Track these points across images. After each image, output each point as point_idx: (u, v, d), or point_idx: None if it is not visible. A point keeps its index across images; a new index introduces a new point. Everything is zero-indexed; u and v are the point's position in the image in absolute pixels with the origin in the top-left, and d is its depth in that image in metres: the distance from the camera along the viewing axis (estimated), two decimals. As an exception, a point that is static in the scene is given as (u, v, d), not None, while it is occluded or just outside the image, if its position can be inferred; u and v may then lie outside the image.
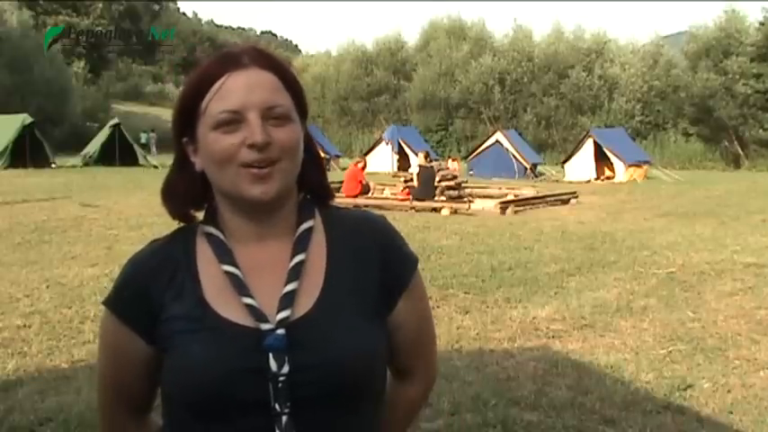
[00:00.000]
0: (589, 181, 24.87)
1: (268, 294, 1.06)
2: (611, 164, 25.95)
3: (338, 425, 1.06)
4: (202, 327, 1.05)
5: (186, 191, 1.12)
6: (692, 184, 22.91)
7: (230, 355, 1.02)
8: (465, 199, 15.21)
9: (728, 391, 4.22)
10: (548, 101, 42.41)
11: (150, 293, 1.08)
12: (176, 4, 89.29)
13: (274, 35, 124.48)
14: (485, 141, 29.30)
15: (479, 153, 28.58)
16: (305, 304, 1.06)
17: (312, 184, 1.16)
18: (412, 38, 58.89)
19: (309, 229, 1.12)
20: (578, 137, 30.88)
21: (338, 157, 31.77)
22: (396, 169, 26.98)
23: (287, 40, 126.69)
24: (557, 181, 25.57)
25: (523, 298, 6.52)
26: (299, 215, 1.13)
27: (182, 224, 1.16)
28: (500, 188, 19.23)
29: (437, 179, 15.20)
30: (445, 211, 13.84)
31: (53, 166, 26.70)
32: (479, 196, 16.37)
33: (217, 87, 1.05)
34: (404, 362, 1.20)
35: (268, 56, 1.10)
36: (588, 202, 16.54)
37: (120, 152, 28.56)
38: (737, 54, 37.35)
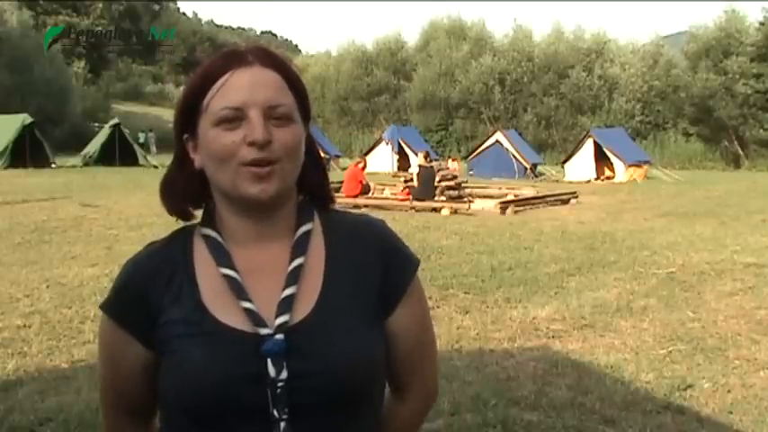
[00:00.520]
0: (589, 181, 24.87)
1: (266, 298, 1.05)
2: (611, 164, 25.95)
3: (337, 431, 1.05)
4: (200, 331, 1.04)
5: (185, 188, 1.11)
6: (692, 184, 22.91)
7: (228, 361, 1.01)
8: (465, 199, 15.21)
9: (728, 391, 4.22)
10: (548, 101, 42.41)
11: (148, 297, 1.07)
12: (176, 4, 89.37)
13: (274, 35, 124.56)
14: (485, 141, 29.29)
15: (479, 153, 28.58)
16: (304, 309, 1.05)
17: (312, 187, 1.14)
18: (412, 38, 58.96)
19: (308, 232, 1.11)
20: (578, 137, 30.88)
21: (338, 157, 31.77)
22: (396, 169, 26.99)
23: (287, 40, 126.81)
24: (557, 181, 25.56)
25: (523, 298, 6.52)
26: (298, 217, 1.12)
27: (180, 226, 1.15)
28: (500, 188, 19.23)
29: (437, 179, 15.20)
30: (445, 211, 13.84)
31: (53, 166, 26.71)
32: (479, 196, 16.36)
33: (220, 84, 1.04)
34: (401, 374, 1.17)
35: (273, 55, 1.09)
36: (588, 202, 16.54)
37: (120, 152, 28.58)
38: (737, 54, 37.35)
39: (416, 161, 16.64)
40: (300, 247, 1.09)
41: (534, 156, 30.00)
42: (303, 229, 1.11)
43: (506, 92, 43.51)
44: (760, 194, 18.46)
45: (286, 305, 1.04)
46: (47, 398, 3.96)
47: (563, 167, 27.74)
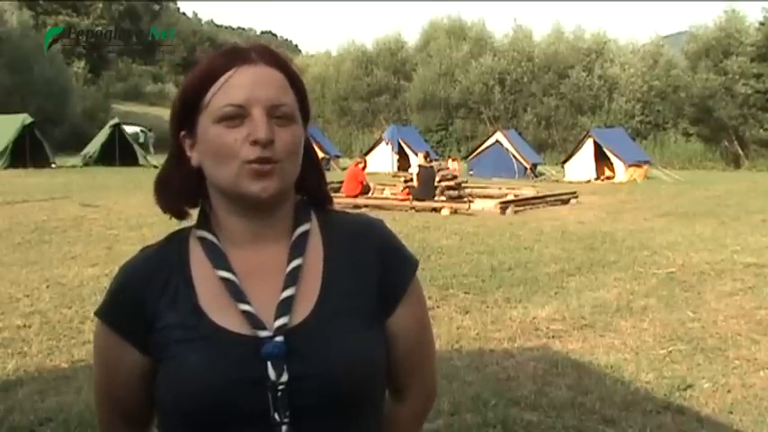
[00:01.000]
0: (589, 181, 24.87)
1: (265, 300, 1.03)
2: (611, 164, 25.95)
3: None
4: (198, 335, 1.02)
5: (180, 185, 1.09)
6: (692, 184, 22.91)
7: (228, 365, 1.00)
8: (465, 199, 15.20)
9: (728, 391, 4.22)
10: (548, 101, 42.41)
11: (144, 301, 1.05)
12: (176, 4, 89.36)
13: (274, 35, 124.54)
14: (485, 141, 29.30)
15: (479, 153, 28.58)
16: (303, 310, 1.04)
17: (310, 189, 1.14)
18: (412, 38, 59.01)
19: (306, 233, 1.10)
20: (578, 137, 30.89)
21: (338, 157, 31.77)
22: (396, 169, 26.99)
23: (287, 40, 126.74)
24: (557, 181, 25.56)
25: (523, 298, 6.52)
26: (296, 218, 1.11)
27: (179, 226, 1.14)
28: (500, 188, 19.23)
29: (437, 179, 15.20)
30: (445, 211, 13.84)
31: (53, 166, 26.72)
32: (479, 196, 16.36)
33: (223, 81, 1.02)
34: (401, 375, 1.16)
35: (276, 54, 1.08)
36: (588, 202, 16.54)
37: (120, 152, 28.58)
38: (737, 54, 37.35)
39: (416, 161, 16.64)
40: (298, 248, 1.08)
41: (534, 156, 30.00)
42: (301, 229, 1.10)
43: (506, 92, 43.51)
44: (760, 194, 18.47)
45: (285, 307, 1.03)
46: (47, 398, 3.96)
47: (563, 167, 27.74)
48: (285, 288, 1.04)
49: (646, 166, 26.48)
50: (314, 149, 1.16)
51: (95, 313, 1.11)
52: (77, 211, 12.59)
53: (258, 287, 1.05)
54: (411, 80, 47.46)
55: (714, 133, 37.86)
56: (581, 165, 26.18)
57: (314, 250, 1.10)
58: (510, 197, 16.24)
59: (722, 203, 16.07)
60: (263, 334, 1.01)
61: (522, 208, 14.74)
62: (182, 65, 71.77)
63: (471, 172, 26.43)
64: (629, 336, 5.38)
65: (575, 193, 17.35)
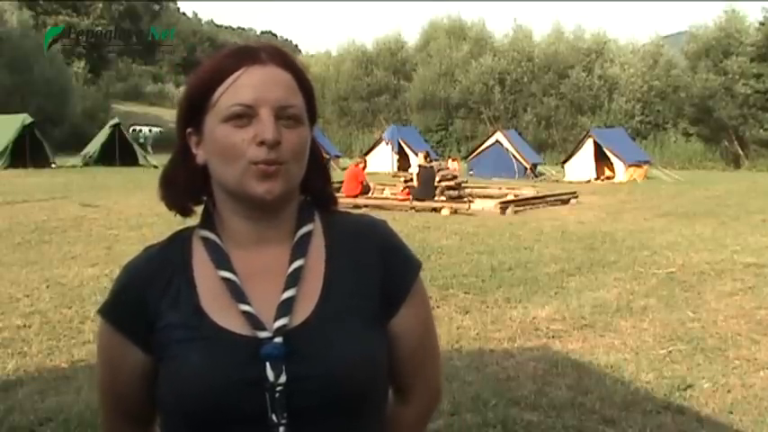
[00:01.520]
0: (589, 181, 24.87)
1: (266, 301, 1.03)
2: (611, 164, 25.96)
3: None
4: (199, 335, 1.02)
5: (186, 183, 1.09)
6: (692, 184, 22.91)
7: (227, 365, 1.00)
8: (465, 199, 15.21)
9: (728, 391, 4.22)
10: (548, 101, 42.41)
11: (146, 301, 1.06)
12: (176, 4, 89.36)
13: (274, 35, 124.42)
14: (485, 141, 29.30)
15: (479, 153, 28.58)
16: (303, 311, 1.04)
17: (314, 190, 1.13)
18: (412, 38, 58.92)
19: (308, 234, 1.09)
20: (578, 137, 30.89)
21: (338, 157, 31.76)
22: (396, 169, 27.00)
23: (287, 40, 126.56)
24: (557, 181, 25.57)
25: (523, 298, 6.52)
26: (299, 219, 1.10)
27: (181, 226, 1.14)
28: (500, 188, 19.23)
29: (437, 179, 15.20)
30: (445, 211, 13.84)
31: (53, 166, 26.73)
32: (479, 196, 16.36)
33: (232, 80, 1.02)
34: (404, 377, 1.15)
35: (286, 55, 1.08)
36: (588, 202, 16.54)
37: (120, 152, 28.59)
38: (737, 54, 37.35)
39: (416, 161, 16.65)
40: (300, 249, 1.07)
41: (534, 156, 30.00)
42: (303, 230, 1.09)
43: (506, 92, 43.51)
44: (760, 194, 18.47)
45: (285, 308, 1.03)
46: (47, 398, 3.96)
47: (563, 167, 27.74)
48: (286, 289, 1.04)
49: (646, 166, 26.48)
50: (320, 150, 1.16)
51: (98, 312, 1.12)
52: (77, 211, 12.59)
53: (260, 288, 1.05)
54: (411, 80, 47.47)
55: (714, 133, 37.86)
56: (581, 165, 26.18)
57: (316, 251, 1.09)
58: (510, 197, 16.24)
59: (722, 203, 16.07)
60: (263, 335, 1.00)
61: (522, 208, 14.74)
62: (182, 65, 71.80)
63: (471, 172, 26.43)
64: (629, 336, 5.38)
65: (575, 193, 17.36)
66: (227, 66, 1.04)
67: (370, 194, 15.97)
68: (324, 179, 1.15)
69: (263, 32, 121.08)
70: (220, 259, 1.06)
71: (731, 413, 3.90)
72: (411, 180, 15.70)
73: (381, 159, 28.27)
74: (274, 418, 0.98)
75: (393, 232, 1.17)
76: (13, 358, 4.63)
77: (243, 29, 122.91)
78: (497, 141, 28.06)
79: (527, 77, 43.30)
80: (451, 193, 15.31)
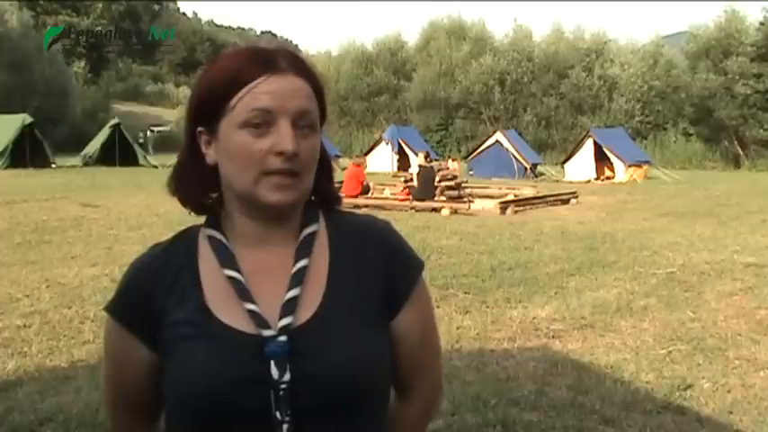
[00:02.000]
0: (589, 181, 24.86)
1: (270, 300, 1.04)
2: (611, 164, 25.94)
3: None
4: (204, 333, 1.04)
5: (199, 181, 1.09)
6: (692, 184, 22.91)
7: (232, 363, 1.01)
8: (465, 199, 15.20)
9: (728, 391, 4.22)
10: (548, 101, 42.39)
11: (152, 298, 1.07)
12: (176, 4, 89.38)
13: (274, 35, 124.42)
14: (485, 141, 29.25)
15: (479, 153, 28.56)
16: (307, 311, 1.05)
17: (320, 191, 1.14)
18: (412, 38, 58.94)
19: (313, 234, 1.10)
20: (578, 137, 30.86)
21: (338, 157, 31.75)
22: (396, 169, 26.98)
23: (287, 40, 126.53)
24: (557, 181, 25.55)
25: (523, 298, 6.52)
26: (304, 219, 1.11)
27: (182, 227, 1.15)
28: (500, 188, 19.22)
29: (437, 179, 15.20)
30: (445, 211, 13.83)
31: (53, 166, 26.74)
32: (479, 196, 16.36)
33: (251, 86, 1.02)
34: (406, 376, 1.17)
35: (303, 62, 1.09)
36: (588, 202, 16.54)
37: (120, 152, 28.60)
38: (737, 54, 37.31)
39: (416, 161, 16.64)
40: (305, 249, 1.09)
41: (534, 156, 29.98)
42: (308, 230, 1.10)
43: (506, 92, 43.48)
44: (760, 194, 18.46)
45: (290, 307, 1.04)
46: (47, 398, 3.96)
47: (563, 167, 27.72)
48: (290, 288, 1.05)
49: (646, 166, 26.45)
50: (327, 153, 1.17)
51: (105, 309, 1.13)
52: (77, 211, 12.59)
53: (264, 287, 1.06)
54: (411, 80, 47.43)
55: (714, 133, 37.83)
56: (581, 165, 26.17)
57: (320, 251, 1.10)
58: (510, 197, 16.23)
59: (722, 203, 16.06)
60: (267, 333, 1.02)
61: (522, 208, 14.74)
62: (182, 65, 71.86)
63: (471, 172, 26.42)
64: (629, 336, 5.38)
65: (575, 193, 17.35)
66: (246, 71, 1.04)
67: (370, 194, 15.97)
68: (329, 179, 1.17)
69: (263, 32, 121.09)
70: (226, 258, 1.07)
71: (731, 413, 3.89)
72: (411, 180, 15.70)
73: (381, 159, 28.26)
74: (278, 415, 1.00)
75: (396, 233, 1.18)
76: (13, 358, 4.63)
77: (243, 29, 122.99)
78: (497, 141, 28.04)
79: (527, 77, 43.27)
80: (451, 193, 15.31)
